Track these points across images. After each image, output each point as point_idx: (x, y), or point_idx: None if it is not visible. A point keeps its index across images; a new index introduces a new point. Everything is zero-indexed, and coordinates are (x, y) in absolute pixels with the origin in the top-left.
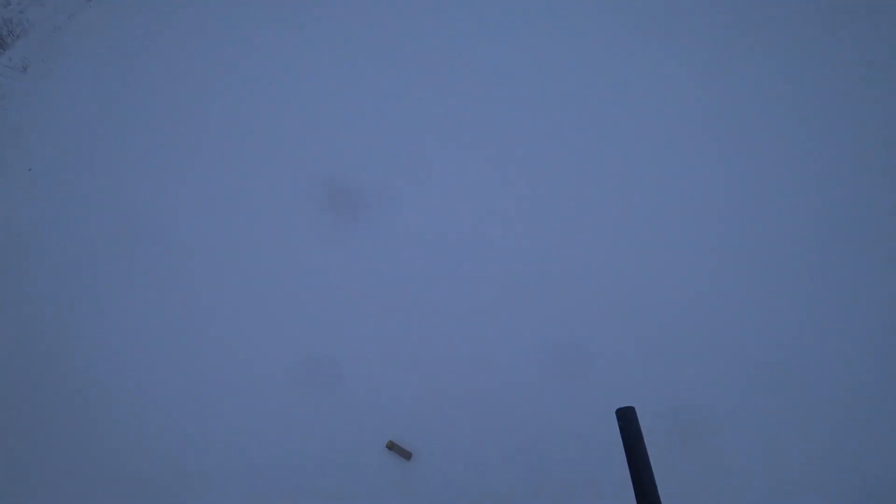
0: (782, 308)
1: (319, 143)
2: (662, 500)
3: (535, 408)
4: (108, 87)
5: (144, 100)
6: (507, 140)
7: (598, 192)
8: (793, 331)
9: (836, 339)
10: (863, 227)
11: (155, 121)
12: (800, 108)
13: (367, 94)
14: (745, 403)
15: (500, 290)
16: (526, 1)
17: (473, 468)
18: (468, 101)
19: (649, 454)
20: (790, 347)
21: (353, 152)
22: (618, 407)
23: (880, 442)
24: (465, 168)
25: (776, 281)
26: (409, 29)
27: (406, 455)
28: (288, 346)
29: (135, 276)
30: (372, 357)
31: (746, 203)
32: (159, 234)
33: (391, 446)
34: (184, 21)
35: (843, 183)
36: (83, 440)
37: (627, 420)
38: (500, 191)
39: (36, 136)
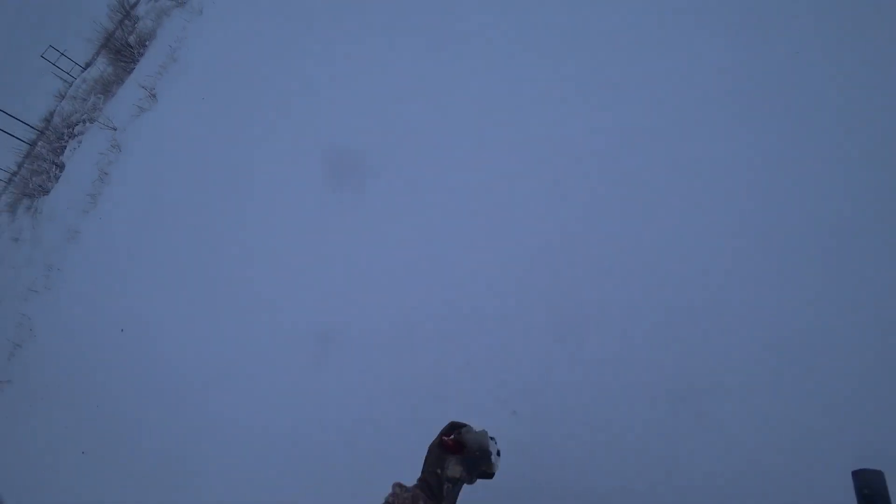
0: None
1: (324, 115)
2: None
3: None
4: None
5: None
6: (515, 108)
7: (615, 166)
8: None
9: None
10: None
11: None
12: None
13: (372, 64)
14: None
15: (513, 263)
16: None
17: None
18: (474, 67)
19: None
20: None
21: (356, 122)
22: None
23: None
24: (471, 136)
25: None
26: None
27: None
28: (303, 319)
29: (160, 256)
30: (384, 327)
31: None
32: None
33: None
34: None
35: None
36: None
37: (873, 487)
38: (509, 158)
39: None
